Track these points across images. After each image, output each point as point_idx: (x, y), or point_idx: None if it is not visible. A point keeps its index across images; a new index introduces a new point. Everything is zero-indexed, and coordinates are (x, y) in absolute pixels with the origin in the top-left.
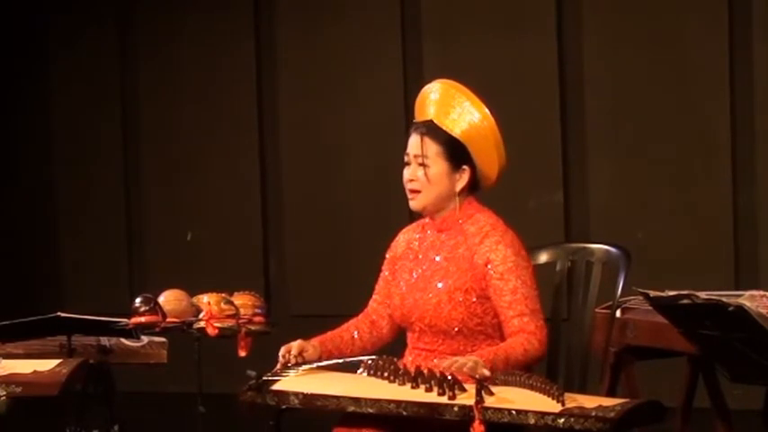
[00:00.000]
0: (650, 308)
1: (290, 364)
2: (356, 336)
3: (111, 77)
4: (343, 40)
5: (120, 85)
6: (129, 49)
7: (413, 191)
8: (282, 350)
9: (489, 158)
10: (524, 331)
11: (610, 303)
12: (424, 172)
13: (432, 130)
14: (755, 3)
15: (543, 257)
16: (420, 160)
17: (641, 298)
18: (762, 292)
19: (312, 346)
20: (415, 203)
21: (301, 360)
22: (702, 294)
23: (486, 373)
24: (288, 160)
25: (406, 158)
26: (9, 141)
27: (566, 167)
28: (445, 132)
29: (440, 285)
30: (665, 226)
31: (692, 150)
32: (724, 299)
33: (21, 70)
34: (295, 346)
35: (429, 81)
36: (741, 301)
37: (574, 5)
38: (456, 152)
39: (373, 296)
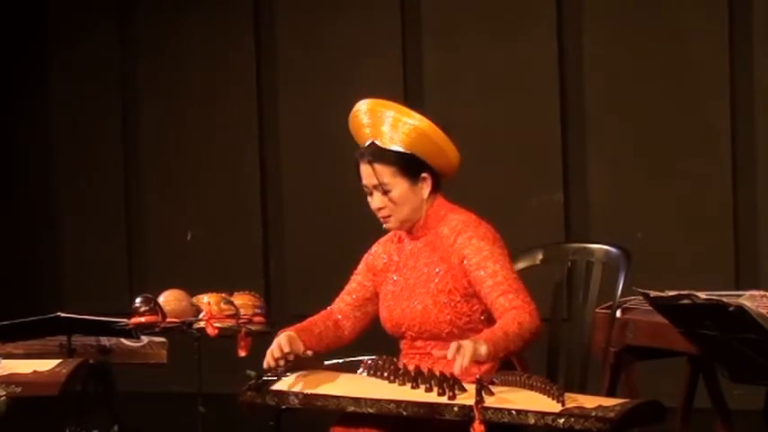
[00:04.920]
0: (650, 308)
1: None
2: (319, 333)
3: (111, 78)
4: (343, 39)
5: (120, 85)
6: (130, 49)
7: (384, 217)
8: (276, 355)
9: (441, 156)
10: (513, 308)
11: (610, 303)
12: (388, 198)
13: (377, 154)
14: (755, 2)
15: (543, 257)
16: (380, 189)
17: (641, 298)
18: (762, 292)
19: (294, 338)
20: (390, 225)
21: (293, 357)
22: (702, 294)
23: (483, 351)
24: (288, 160)
25: (365, 189)
26: (9, 141)
27: (566, 167)
28: (390, 151)
29: (423, 291)
30: (665, 226)
31: (692, 150)
32: (724, 299)
33: (21, 70)
34: (283, 344)
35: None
36: (741, 301)
37: (574, 5)
38: (409, 165)
39: (342, 296)
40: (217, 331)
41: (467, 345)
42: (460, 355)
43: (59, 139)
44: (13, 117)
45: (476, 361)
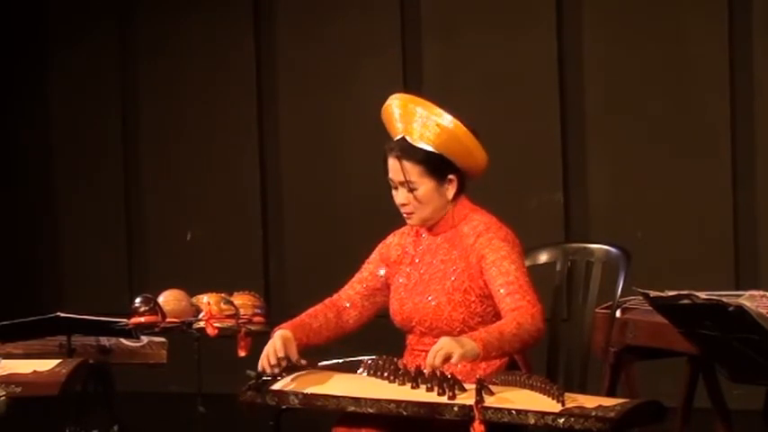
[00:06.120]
0: (650, 308)
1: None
2: (319, 327)
3: (111, 78)
4: (343, 40)
5: (120, 85)
6: (130, 49)
7: (407, 213)
8: (272, 362)
9: (469, 158)
10: (517, 308)
11: (610, 303)
12: (413, 195)
13: (406, 150)
14: (755, 2)
15: (543, 257)
16: (406, 187)
17: (641, 298)
18: (762, 292)
19: (290, 339)
20: (412, 221)
21: (286, 362)
22: (702, 294)
23: (459, 354)
24: (288, 161)
25: (391, 183)
26: (9, 141)
27: (566, 167)
28: (420, 149)
29: (438, 288)
30: (665, 226)
31: (692, 150)
32: (724, 299)
33: (21, 70)
34: (278, 348)
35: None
36: (741, 301)
37: (574, 5)
38: (437, 166)
39: (352, 283)
40: (217, 331)
41: (448, 346)
42: (435, 355)
43: (59, 139)
44: (13, 117)
45: (458, 359)
